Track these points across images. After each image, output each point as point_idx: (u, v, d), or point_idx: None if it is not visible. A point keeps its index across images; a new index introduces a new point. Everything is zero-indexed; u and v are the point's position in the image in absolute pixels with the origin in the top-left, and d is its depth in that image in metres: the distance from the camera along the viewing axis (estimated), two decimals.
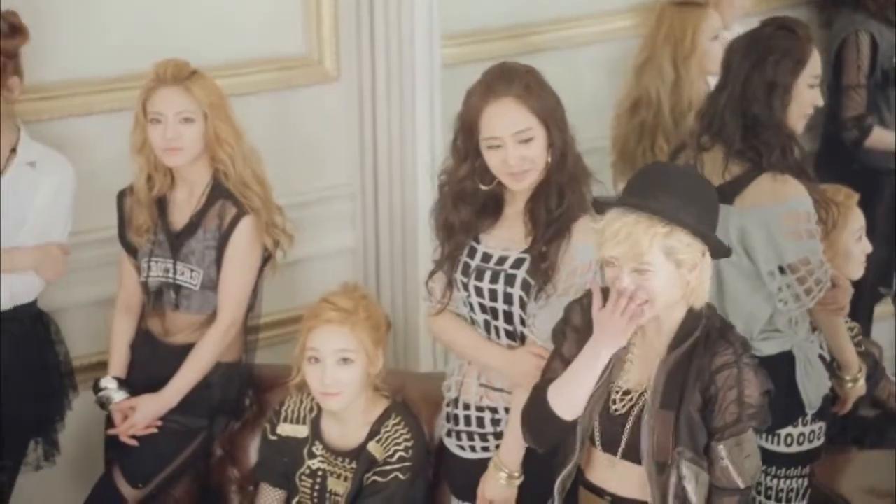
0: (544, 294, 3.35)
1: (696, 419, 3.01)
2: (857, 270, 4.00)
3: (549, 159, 3.37)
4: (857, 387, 4.00)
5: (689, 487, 3.00)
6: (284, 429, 3.65)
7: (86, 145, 4.03)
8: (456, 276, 3.50)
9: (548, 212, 3.38)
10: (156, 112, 3.70)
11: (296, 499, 3.64)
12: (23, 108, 3.86)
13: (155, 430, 3.77)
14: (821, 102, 3.90)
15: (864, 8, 5.48)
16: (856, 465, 3.89)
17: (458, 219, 3.47)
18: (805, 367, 3.79)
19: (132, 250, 3.86)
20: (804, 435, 3.84)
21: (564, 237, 3.37)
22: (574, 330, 3.17)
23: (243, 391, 3.90)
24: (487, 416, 3.51)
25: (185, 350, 3.79)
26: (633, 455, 3.06)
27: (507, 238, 3.45)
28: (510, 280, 3.41)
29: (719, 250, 3.08)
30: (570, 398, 3.11)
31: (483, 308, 3.46)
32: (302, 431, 3.63)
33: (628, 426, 3.06)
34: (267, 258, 3.86)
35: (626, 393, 3.09)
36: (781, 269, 3.74)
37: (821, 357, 3.86)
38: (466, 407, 3.53)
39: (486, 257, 3.46)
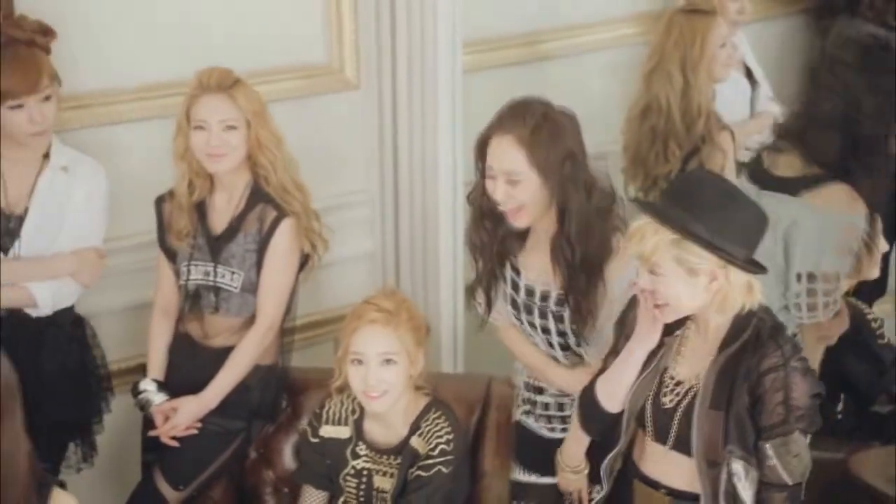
0: (591, 327, 3.53)
1: (745, 418, 3.07)
2: (874, 270, 4.08)
3: (553, 209, 3.46)
4: None
5: (740, 484, 3.07)
6: (327, 430, 3.69)
7: (117, 153, 4.08)
8: (507, 309, 3.69)
9: (566, 262, 3.51)
10: (200, 119, 3.75)
11: (341, 499, 3.68)
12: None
13: (195, 432, 3.81)
14: None
15: (861, 15, 5.60)
16: (887, 456, 3.96)
17: (482, 237, 3.61)
18: None
19: (171, 254, 3.90)
20: None
21: (598, 284, 3.52)
22: (625, 327, 3.28)
23: (279, 394, 3.95)
24: (565, 400, 3.71)
25: (224, 353, 3.84)
26: (682, 447, 3.14)
27: (543, 269, 3.58)
28: (558, 318, 3.61)
29: (744, 266, 3.05)
30: (612, 391, 3.23)
31: (537, 330, 3.67)
32: (344, 433, 3.67)
33: (677, 419, 3.14)
34: (304, 262, 3.91)
35: (678, 384, 3.16)
36: (809, 277, 3.81)
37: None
38: (540, 391, 3.74)
39: (530, 292, 3.64)
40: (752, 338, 3.09)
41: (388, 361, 3.56)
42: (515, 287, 3.67)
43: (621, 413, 3.25)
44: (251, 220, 3.82)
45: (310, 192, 3.92)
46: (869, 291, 4.17)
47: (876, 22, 5.56)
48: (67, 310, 3.88)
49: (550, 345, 3.69)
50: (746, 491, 3.08)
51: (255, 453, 3.96)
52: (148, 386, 3.90)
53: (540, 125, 3.43)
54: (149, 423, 3.89)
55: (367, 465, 3.65)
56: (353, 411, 3.68)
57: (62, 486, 3.07)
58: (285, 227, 3.81)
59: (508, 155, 3.44)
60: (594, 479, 3.45)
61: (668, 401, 3.17)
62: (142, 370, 4.13)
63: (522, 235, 3.63)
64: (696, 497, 3.14)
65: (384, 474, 3.64)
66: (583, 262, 3.50)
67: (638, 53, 5.12)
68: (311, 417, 3.76)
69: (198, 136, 3.76)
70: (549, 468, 3.68)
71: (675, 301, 3.07)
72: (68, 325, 3.89)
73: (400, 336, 3.57)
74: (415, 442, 3.59)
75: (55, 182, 3.80)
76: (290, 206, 3.81)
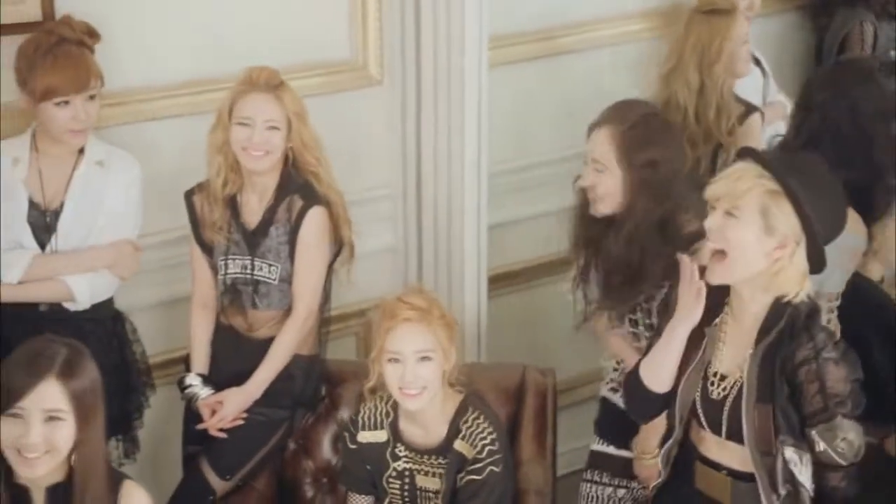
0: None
1: (789, 408, 3.11)
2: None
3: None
4: None
5: (796, 469, 3.11)
6: (364, 436, 3.71)
7: (148, 150, 4.10)
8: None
9: (609, 259, 3.74)
10: (245, 116, 3.77)
11: (386, 499, 3.71)
12: None
13: (241, 422, 3.84)
14: None
15: (863, 3, 5.66)
16: None
17: (577, 233, 3.82)
18: None
19: (207, 249, 3.92)
20: None
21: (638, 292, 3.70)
22: (668, 308, 3.32)
23: (320, 383, 3.99)
24: None
25: (268, 343, 3.87)
26: (735, 437, 3.18)
27: None
28: (646, 313, 3.74)
29: (814, 253, 3.09)
30: (655, 371, 3.26)
31: (640, 327, 3.79)
32: (381, 436, 3.69)
33: (726, 412, 3.17)
34: (337, 252, 3.93)
35: (723, 378, 3.19)
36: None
37: None
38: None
39: (646, 297, 3.74)
40: (786, 328, 3.11)
41: (424, 358, 3.57)
42: None
43: (666, 395, 3.27)
44: (281, 213, 3.86)
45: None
46: None
47: (877, 11, 5.62)
48: (107, 305, 3.91)
49: (634, 323, 3.81)
50: (804, 475, 3.12)
51: (295, 444, 4.00)
52: (193, 381, 3.92)
53: (636, 126, 3.65)
54: (191, 415, 3.92)
55: (409, 466, 3.68)
56: (388, 414, 3.70)
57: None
58: (312, 215, 3.84)
59: (601, 146, 3.68)
60: None
61: (715, 394, 3.20)
62: (174, 364, 4.19)
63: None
64: (755, 477, 3.18)
65: (426, 473, 3.67)
66: (625, 265, 3.63)
67: (651, 48, 5.19)
68: (347, 424, 3.79)
69: (240, 132, 3.78)
70: (624, 442, 3.84)
71: (739, 250, 3.06)
72: (108, 320, 3.92)
73: (434, 332, 3.59)
74: (459, 446, 3.61)
75: (91, 176, 3.82)
76: (335, 206, 3.86)
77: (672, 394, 3.26)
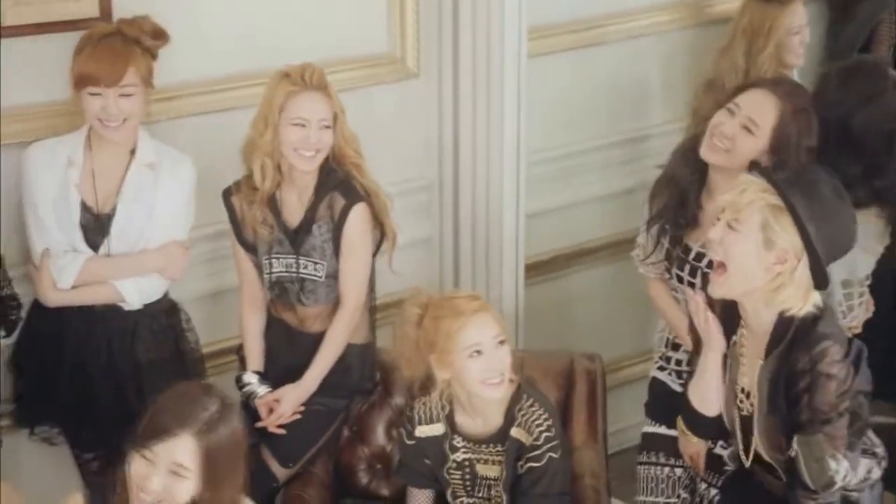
0: None
1: (790, 417, 3.14)
2: None
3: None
4: None
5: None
6: (422, 430, 3.75)
7: (192, 145, 4.10)
8: (672, 271, 3.87)
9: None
10: (299, 117, 3.74)
11: (449, 490, 3.76)
12: None
13: (299, 417, 3.87)
14: None
15: None
16: None
17: (672, 171, 3.84)
18: None
19: (250, 248, 3.92)
20: None
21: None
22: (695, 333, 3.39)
23: (374, 371, 4.03)
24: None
25: (321, 337, 3.89)
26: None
27: (703, 231, 3.66)
28: (692, 272, 3.80)
29: (816, 270, 3.06)
30: (701, 397, 3.35)
31: (683, 284, 3.84)
32: (438, 429, 3.73)
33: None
34: (379, 241, 3.95)
35: (748, 395, 3.24)
36: (844, 283, 3.85)
37: None
38: (676, 348, 3.95)
39: (686, 248, 3.82)
40: (791, 340, 3.11)
41: (501, 343, 3.62)
42: (675, 241, 3.83)
43: (720, 416, 3.34)
44: (322, 210, 3.85)
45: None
46: None
47: None
48: (161, 300, 3.95)
49: (679, 279, 3.86)
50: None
51: (349, 431, 4.05)
52: (251, 379, 3.94)
53: (790, 90, 3.74)
54: (249, 410, 3.90)
55: (468, 456, 3.72)
56: (443, 407, 3.74)
57: None
58: (355, 213, 3.84)
59: (762, 105, 3.67)
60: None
61: (745, 411, 3.26)
62: (218, 356, 4.23)
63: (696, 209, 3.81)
64: None
65: (486, 462, 3.71)
66: None
67: (676, 38, 5.23)
68: (403, 421, 3.85)
69: (294, 133, 3.75)
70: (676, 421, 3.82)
71: (737, 264, 3.07)
72: (162, 314, 3.95)
73: (498, 319, 3.66)
74: (516, 433, 3.65)
75: (142, 180, 3.85)
76: (376, 197, 3.88)
77: None
